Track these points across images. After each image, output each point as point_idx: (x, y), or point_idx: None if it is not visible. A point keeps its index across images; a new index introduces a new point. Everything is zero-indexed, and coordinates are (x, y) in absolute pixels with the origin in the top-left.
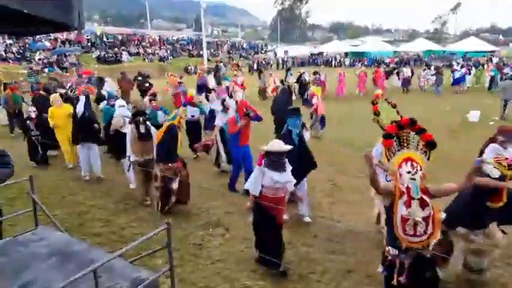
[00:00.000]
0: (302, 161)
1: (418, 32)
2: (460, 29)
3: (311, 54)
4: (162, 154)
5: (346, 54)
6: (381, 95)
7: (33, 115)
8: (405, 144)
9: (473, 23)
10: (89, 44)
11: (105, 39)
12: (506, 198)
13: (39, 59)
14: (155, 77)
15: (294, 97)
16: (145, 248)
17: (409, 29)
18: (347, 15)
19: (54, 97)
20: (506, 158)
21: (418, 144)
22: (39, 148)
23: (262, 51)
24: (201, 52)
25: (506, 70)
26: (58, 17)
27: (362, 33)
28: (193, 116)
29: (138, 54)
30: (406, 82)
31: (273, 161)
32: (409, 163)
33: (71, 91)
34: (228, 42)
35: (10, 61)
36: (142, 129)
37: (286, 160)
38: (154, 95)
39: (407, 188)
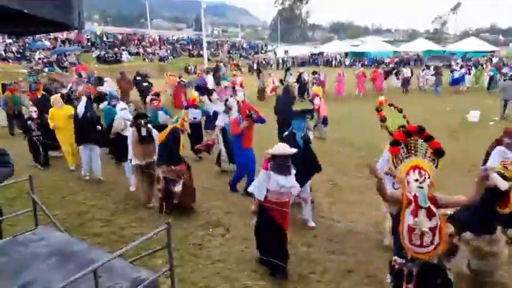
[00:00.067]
0: (306, 164)
1: (418, 32)
2: (460, 29)
3: (311, 54)
4: (164, 155)
5: (346, 54)
6: (385, 101)
7: (34, 115)
8: (413, 152)
9: (473, 23)
10: (89, 43)
11: (105, 39)
12: None
13: (39, 59)
14: (155, 77)
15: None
16: (145, 248)
17: (409, 29)
18: (347, 15)
19: (55, 98)
20: None
21: (426, 152)
22: (41, 149)
23: (262, 51)
24: (201, 52)
25: (505, 70)
26: (58, 17)
27: (362, 33)
28: (195, 118)
29: (138, 54)
30: (405, 82)
31: (279, 164)
32: (416, 171)
33: (71, 92)
34: (228, 42)
35: (10, 61)
36: (143, 132)
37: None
38: (157, 94)
39: (415, 197)
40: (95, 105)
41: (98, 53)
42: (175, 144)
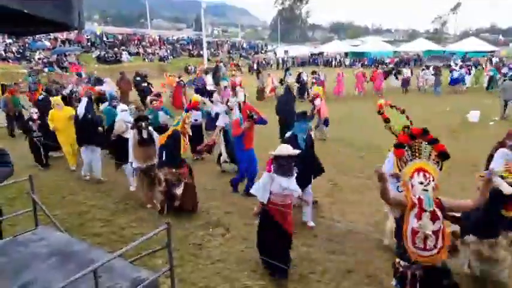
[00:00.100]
0: (308, 166)
1: (418, 32)
2: (460, 29)
3: (311, 54)
4: (164, 158)
5: (346, 54)
6: (384, 104)
7: (35, 116)
8: (417, 154)
9: (473, 23)
10: (89, 43)
11: (105, 39)
12: None
13: (39, 59)
14: (155, 77)
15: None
16: (145, 248)
17: (409, 29)
18: (347, 15)
19: (56, 100)
20: None
21: (430, 155)
22: (42, 150)
23: (262, 51)
24: (201, 52)
25: (504, 70)
26: (58, 17)
27: (362, 33)
28: (196, 120)
29: (138, 54)
30: (405, 82)
31: (282, 165)
32: (421, 173)
33: (72, 94)
34: (228, 42)
35: (10, 61)
36: (144, 134)
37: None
38: (158, 95)
39: (419, 200)
40: (95, 106)
41: (98, 53)
42: (175, 147)
